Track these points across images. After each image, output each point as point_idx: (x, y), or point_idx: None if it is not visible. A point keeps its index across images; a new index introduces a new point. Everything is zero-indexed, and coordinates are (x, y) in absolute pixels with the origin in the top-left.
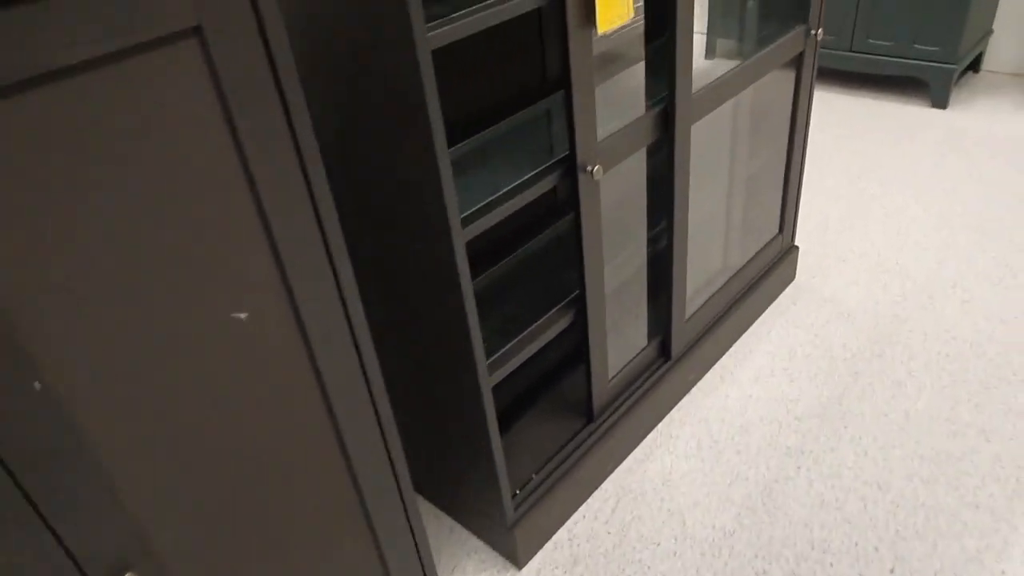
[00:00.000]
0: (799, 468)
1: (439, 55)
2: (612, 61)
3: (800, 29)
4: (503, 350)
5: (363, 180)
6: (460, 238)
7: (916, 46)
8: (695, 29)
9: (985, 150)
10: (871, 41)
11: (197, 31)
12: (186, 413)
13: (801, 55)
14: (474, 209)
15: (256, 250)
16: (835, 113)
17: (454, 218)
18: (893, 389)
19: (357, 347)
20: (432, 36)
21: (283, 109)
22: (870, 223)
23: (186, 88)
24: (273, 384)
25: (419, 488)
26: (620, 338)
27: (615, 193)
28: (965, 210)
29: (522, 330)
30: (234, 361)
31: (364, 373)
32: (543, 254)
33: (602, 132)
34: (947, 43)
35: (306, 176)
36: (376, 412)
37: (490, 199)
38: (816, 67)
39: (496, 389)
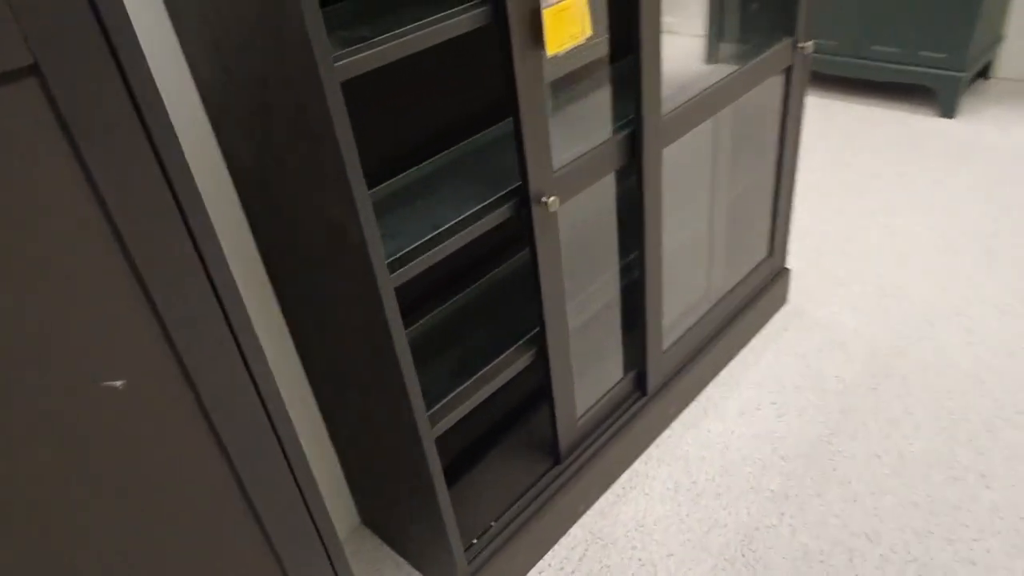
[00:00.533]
0: (782, 515)
1: (380, 75)
2: (589, 75)
3: (787, 42)
4: (448, 398)
5: (289, 220)
6: (388, 284)
7: (922, 53)
8: (695, 31)
9: (995, 163)
10: (876, 47)
11: (34, 70)
12: (57, 506)
13: (789, 69)
14: (407, 250)
15: (129, 307)
16: (837, 122)
17: (379, 264)
18: (887, 427)
19: (264, 405)
20: (341, 66)
21: (152, 150)
22: (870, 243)
23: (29, 136)
24: (163, 457)
25: (378, 531)
26: (593, 371)
27: (586, 215)
28: (972, 229)
29: (475, 372)
30: (111, 436)
31: (276, 434)
32: (507, 285)
33: (567, 156)
34: (955, 50)
35: (185, 220)
36: (295, 477)
37: (425, 239)
38: (807, 81)
39: (451, 431)
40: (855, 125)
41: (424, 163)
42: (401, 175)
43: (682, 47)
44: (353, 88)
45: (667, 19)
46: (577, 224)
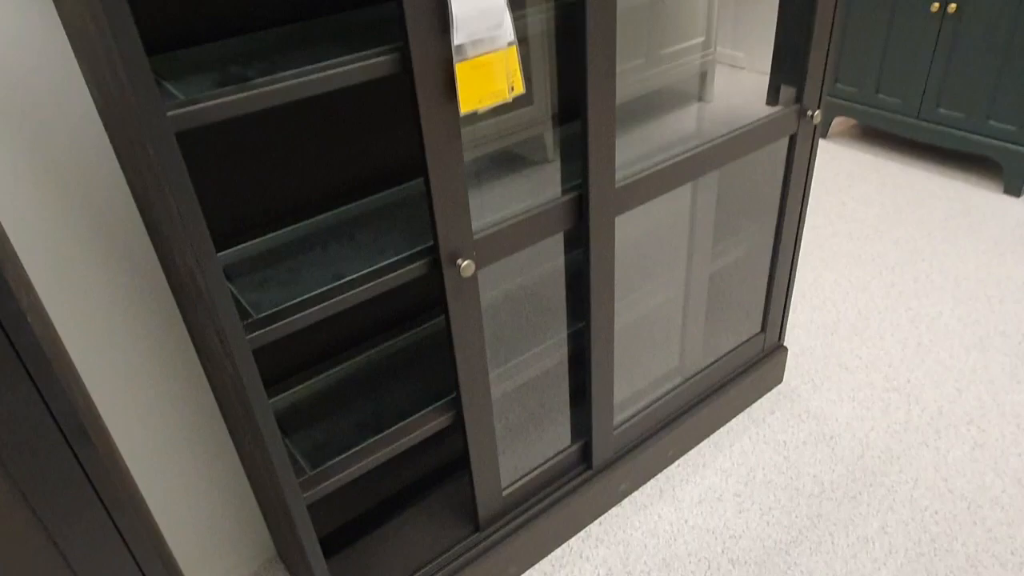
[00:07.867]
0: None
1: (300, 107)
2: (545, 129)
3: (793, 108)
4: (334, 461)
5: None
6: (243, 346)
7: (991, 122)
8: (760, 68)
9: None
10: (941, 110)
11: None
12: None
13: (794, 137)
14: (274, 311)
15: None
16: (890, 188)
17: (231, 325)
18: (857, 546)
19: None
20: (175, 116)
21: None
22: (891, 327)
23: None
24: None
25: (288, 566)
26: (535, 436)
27: (537, 272)
28: (1011, 328)
29: (378, 433)
30: None
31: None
32: (441, 340)
33: (497, 218)
34: None
35: None
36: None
37: (311, 294)
38: (815, 153)
39: (362, 487)
40: (908, 193)
41: (346, 206)
42: (310, 219)
43: (749, 85)
44: (257, 120)
45: (735, 54)
46: (526, 281)
